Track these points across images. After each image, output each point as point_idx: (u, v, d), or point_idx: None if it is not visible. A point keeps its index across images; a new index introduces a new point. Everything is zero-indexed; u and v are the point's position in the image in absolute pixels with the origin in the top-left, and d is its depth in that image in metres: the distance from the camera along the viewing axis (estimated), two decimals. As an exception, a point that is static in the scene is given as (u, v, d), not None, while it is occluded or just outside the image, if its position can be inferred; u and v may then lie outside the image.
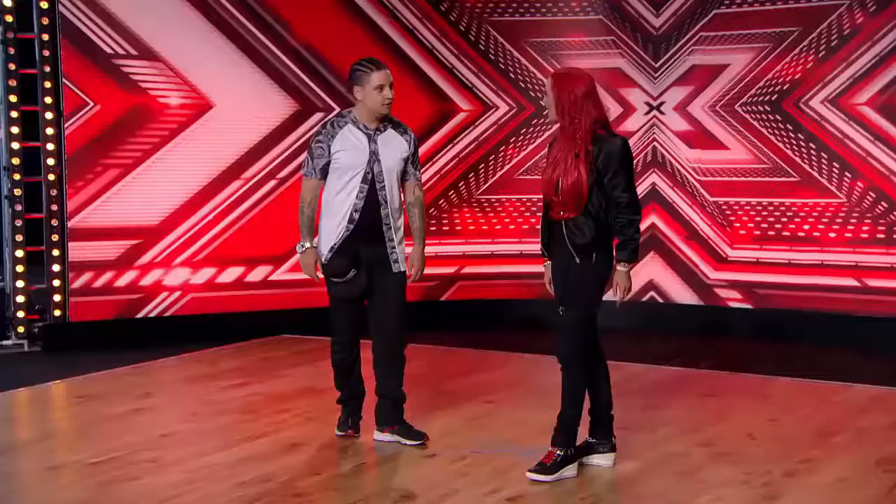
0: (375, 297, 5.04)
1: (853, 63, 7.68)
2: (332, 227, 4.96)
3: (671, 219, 8.47)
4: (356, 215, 4.92)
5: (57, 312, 7.74)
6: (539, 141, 8.73)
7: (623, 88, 8.48)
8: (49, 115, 7.67)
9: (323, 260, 5.01)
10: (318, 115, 8.33)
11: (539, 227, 4.80)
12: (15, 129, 7.71)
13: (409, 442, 5.02)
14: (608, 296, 4.63)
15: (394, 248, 5.00)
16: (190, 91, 7.97)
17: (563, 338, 4.52)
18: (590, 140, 4.42)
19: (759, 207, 8.16)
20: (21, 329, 7.76)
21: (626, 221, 4.47)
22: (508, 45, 8.71)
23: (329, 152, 4.92)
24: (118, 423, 5.52)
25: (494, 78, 8.74)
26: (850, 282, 7.82)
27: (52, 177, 7.70)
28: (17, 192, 7.71)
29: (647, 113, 8.44)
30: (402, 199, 5.08)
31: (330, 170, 4.95)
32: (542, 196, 4.68)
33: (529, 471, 4.50)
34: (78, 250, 7.71)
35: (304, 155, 5.08)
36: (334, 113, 5.12)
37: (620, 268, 4.52)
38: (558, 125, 4.51)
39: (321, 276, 5.07)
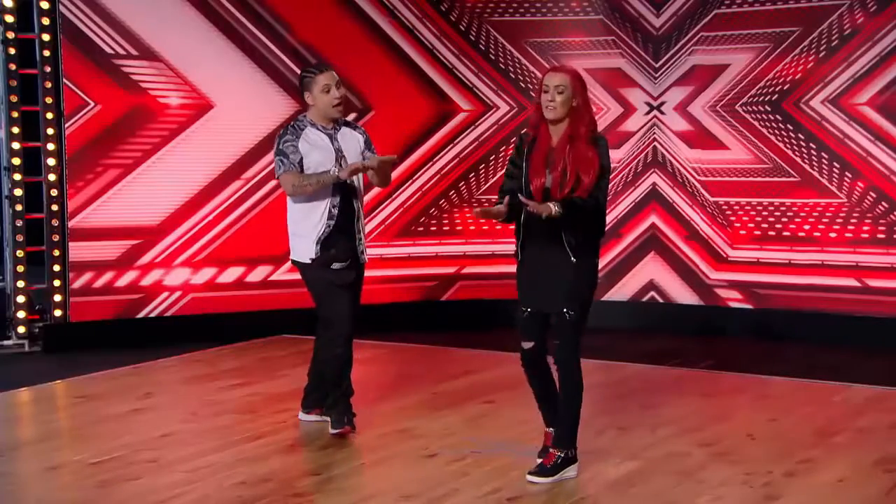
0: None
1: (853, 63, 7.68)
2: (312, 226, 5.08)
3: (671, 219, 8.47)
4: (335, 211, 5.07)
5: (57, 312, 7.74)
6: (539, 141, 8.71)
7: (623, 88, 8.48)
8: (49, 115, 7.68)
9: (313, 255, 5.07)
10: (319, 115, 8.32)
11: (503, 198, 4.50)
12: (15, 129, 7.71)
13: (332, 430, 5.13)
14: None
15: (361, 239, 5.20)
16: (190, 91, 7.97)
17: (564, 340, 4.47)
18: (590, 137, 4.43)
19: (760, 207, 8.16)
20: (21, 329, 7.76)
21: (590, 202, 4.35)
22: (509, 45, 8.71)
23: (300, 150, 5.06)
24: (118, 423, 5.52)
25: (494, 78, 8.74)
26: (851, 282, 7.82)
27: (52, 177, 7.70)
28: (18, 192, 7.71)
29: (648, 113, 8.44)
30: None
31: (303, 170, 5.06)
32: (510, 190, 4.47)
33: (529, 473, 4.49)
34: (78, 250, 7.72)
35: (273, 158, 5.14)
36: (288, 118, 5.24)
37: (552, 205, 4.25)
38: (557, 119, 4.44)
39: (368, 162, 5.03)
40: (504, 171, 4.69)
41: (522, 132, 4.65)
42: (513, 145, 8.90)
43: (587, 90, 4.48)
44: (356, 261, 5.19)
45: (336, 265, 5.09)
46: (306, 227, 5.10)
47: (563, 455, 4.51)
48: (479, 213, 4.48)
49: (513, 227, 4.57)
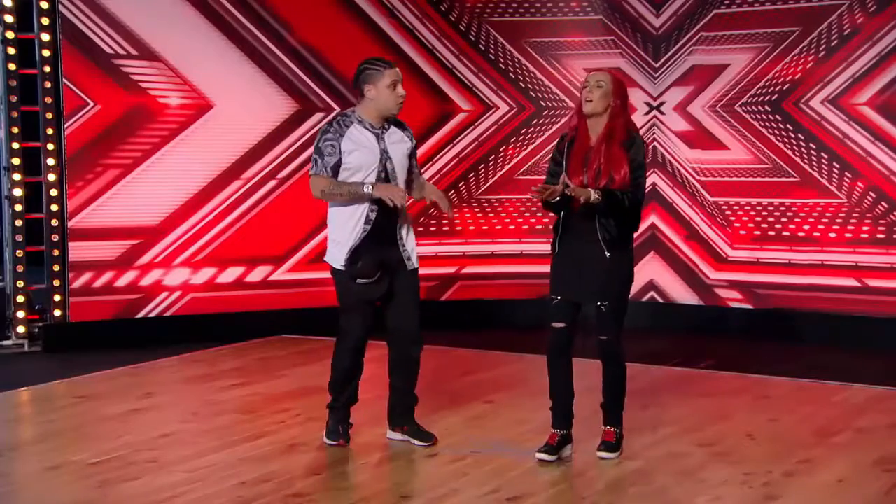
0: (391, 299, 4.97)
1: (853, 63, 7.68)
2: (348, 231, 4.86)
3: (671, 219, 8.47)
4: (373, 215, 4.83)
5: (57, 312, 7.74)
6: (539, 141, 8.73)
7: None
8: (49, 115, 7.67)
9: (342, 264, 4.89)
10: (319, 115, 8.33)
11: (549, 222, 4.86)
12: (15, 129, 7.70)
13: (418, 442, 5.02)
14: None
15: (405, 246, 4.96)
16: (190, 91, 7.97)
17: (606, 331, 4.70)
18: (627, 137, 4.67)
19: (759, 207, 8.16)
20: (21, 329, 7.75)
21: (632, 198, 4.61)
22: (508, 45, 8.71)
23: (340, 150, 4.81)
24: (118, 423, 5.52)
25: (494, 78, 8.74)
26: (850, 282, 7.82)
27: (52, 177, 7.70)
28: (18, 191, 7.71)
29: (648, 113, 8.44)
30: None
31: (341, 170, 4.83)
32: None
33: (600, 450, 4.78)
34: (78, 250, 7.71)
35: (311, 154, 4.93)
36: (335, 112, 5.04)
37: (593, 191, 4.51)
38: (594, 114, 4.66)
39: (401, 201, 4.83)
40: (547, 168, 4.89)
41: (565, 133, 4.86)
42: (513, 145, 8.99)
43: (626, 94, 4.75)
44: (400, 268, 4.93)
45: (361, 281, 4.87)
46: (342, 232, 4.87)
47: (619, 431, 4.83)
48: (538, 189, 4.54)
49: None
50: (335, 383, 5.07)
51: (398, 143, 4.93)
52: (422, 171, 5.34)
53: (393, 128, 4.95)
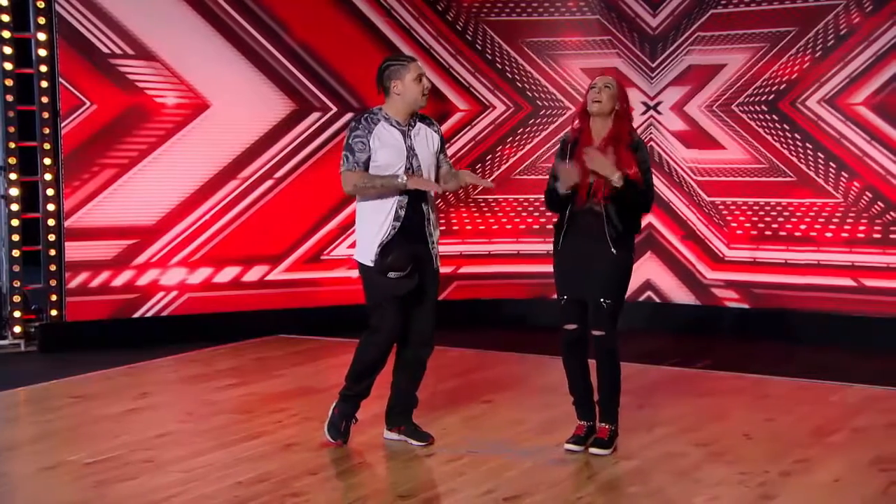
0: (415, 298, 4.94)
1: (850, 63, 7.69)
2: (377, 226, 4.84)
3: (668, 219, 8.48)
4: (402, 212, 4.83)
5: (53, 312, 7.73)
6: (536, 140, 8.73)
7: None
8: (45, 115, 7.66)
9: (372, 259, 4.85)
10: (315, 115, 8.33)
11: (548, 221, 4.95)
12: (11, 129, 7.69)
13: (415, 442, 5.02)
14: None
15: (433, 244, 4.98)
16: (187, 90, 7.96)
17: (604, 327, 4.77)
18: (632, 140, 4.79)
19: (756, 207, 8.17)
20: (17, 329, 7.75)
21: (644, 200, 4.80)
22: (505, 45, 8.71)
23: (370, 147, 4.82)
24: (114, 423, 5.52)
25: (491, 77, 8.74)
26: (847, 282, 7.83)
27: (48, 176, 7.69)
28: (14, 191, 7.70)
29: (644, 113, 8.44)
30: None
31: (370, 167, 4.84)
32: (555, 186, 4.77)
33: (592, 447, 4.84)
34: (74, 250, 7.71)
35: (342, 153, 4.91)
36: (362, 111, 5.03)
37: (619, 172, 4.61)
38: (603, 117, 4.75)
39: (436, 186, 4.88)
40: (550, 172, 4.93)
41: (565, 135, 4.96)
42: (510, 145, 8.98)
43: (629, 100, 4.86)
44: (427, 266, 4.92)
45: (392, 274, 4.82)
46: (371, 227, 4.85)
47: (613, 428, 4.88)
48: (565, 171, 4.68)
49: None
50: (355, 374, 5.01)
51: (425, 140, 4.95)
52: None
53: (420, 124, 4.97)
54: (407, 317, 4.94)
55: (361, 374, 5.00)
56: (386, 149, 4.83)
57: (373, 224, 4.86)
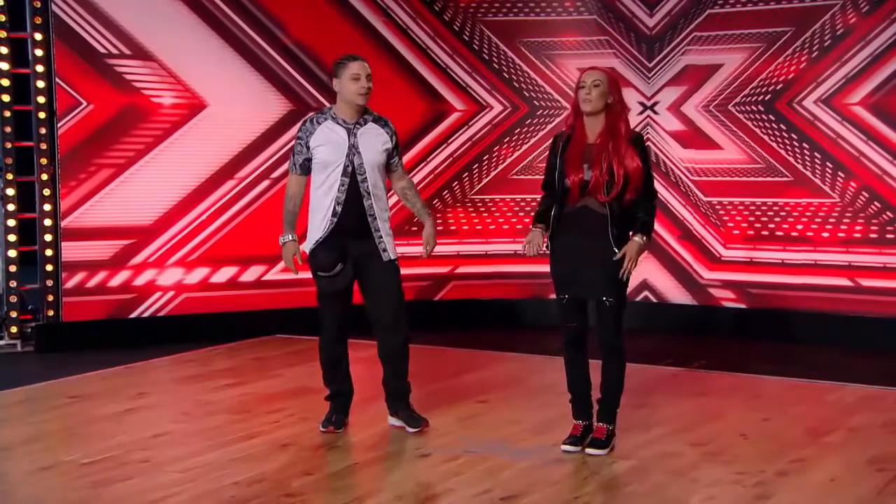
0: (369, 291, 5.14)
1: (846, 63, 7.69)
2: (318, 222, 5.06)
3: (665, 219, 8.47)
4: (339, 208, 5.01)
5: (50, 312, 7.72)
6: (533, 141, 8.73)
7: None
8: (42, 115, 7.66)
9: (309, 253, 5.09)
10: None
11: (540, 209, 4.95)
12: (8, 129, 7.68)
13: (409, 428, 5.19)
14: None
15: (381, 238, 5.09)
16: (183, 91, 7.96)
17: (608, 325, 4.77)
18: (631, 134, 4.76)
19: (753, 207, 8.18)
20: (14, 329, 7.75)
21: (651, 207, 4.83)
22: (502, 45, 8.71)
23: (307, 148, 5.05)
24: (111, 424, 5.51)
25: (488, 78, 8.75)
26: (844, 281, 7.84)
27: (45, 176, 7.68)
28: (10, 191, 7.69)
29: (641, 113, 8.44)
30: (388, 191, 5.20)
31: (313, 166, 5.06)
32: (550, 183, 4.83)
33: (588, 447, 4.82)
34: (71, 250, 7.70)
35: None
36: (312, 113, 5.24)
37: (638, 239, 4.70)
38: (596, 114, 4.71)
39: (298, 271, 5.17)
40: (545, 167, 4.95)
41: (560, 132, 4.93)
42: (506, 145, 8.98)
43: (621, 90, 4.78)
44: (375, 260, 5.07)
45: (321, 273, 5.06)
46: (314, 220, 5.08)
47: (611, 428, 4.86)
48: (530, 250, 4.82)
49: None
50: (323, 375, 5.32)
51: (373, 139, 5.07)
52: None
53: (371, 123, 5.10)
54: (349, 310, 5.18)
55: (324, 373, 5.32)
56: (327, 146, 5.02)
57: (312, 223, 5.10)
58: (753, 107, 8.08)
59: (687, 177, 8.37)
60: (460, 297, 8.73)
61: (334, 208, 5.01)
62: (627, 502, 4.35)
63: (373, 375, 5.38)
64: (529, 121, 8.75)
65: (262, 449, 5.00)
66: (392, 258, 5.12)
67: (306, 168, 5.09)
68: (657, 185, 8.20)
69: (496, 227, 8.84)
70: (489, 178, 8.80)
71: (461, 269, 8.82)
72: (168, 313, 8.00)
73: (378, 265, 5.09)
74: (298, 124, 5.16)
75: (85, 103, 7.68)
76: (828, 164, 7.85)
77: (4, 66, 7.64)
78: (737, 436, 5.18)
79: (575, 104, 4.79)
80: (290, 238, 5.12)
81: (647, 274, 8.52)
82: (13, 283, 7.74)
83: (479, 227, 8.84)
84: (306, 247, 5.15)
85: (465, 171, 8.79)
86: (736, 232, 8.25)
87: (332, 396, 5.31)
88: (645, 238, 4.73)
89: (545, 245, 4.80)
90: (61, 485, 4.54)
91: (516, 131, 8.79)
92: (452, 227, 8.80)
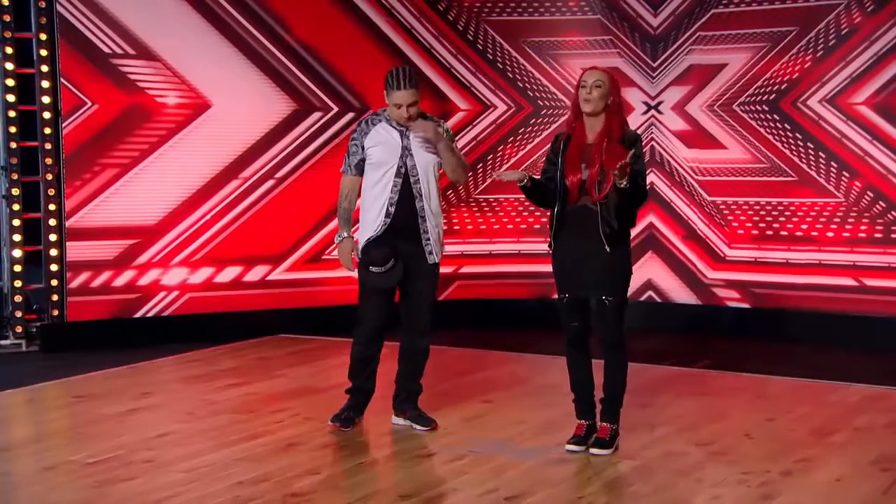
0: (407, 294, 5.21)
1: (851, 63, 7.68)
2: (371, 220, 5.14)
3: (669, 218, 8.47)
4: (391, 209, 5.10)
5: (55, 312, 7.73)
6: (537, 140, 8.73)
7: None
8: (47, 115, 7.67)
9: (360, 250, 5.13)
10: (317, 115, 8.33)
11: (547, 220, 4.96)
12: (13, 129, 7.70)
13: (419, 427, 5.23)
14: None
15: (428, 240, 5.18)
16: (188, 90, 7.97)
17: (608, 324, 4.77)
18: (625, 135, 4.76)
19: (757, 207, 8.17)
20: (19, 329, 7.75)
21: (643, 194, 4.76)
22: (506, 45, 8.71)
23: (363, 149, 5.13)
24: (115, 423, 5.51)
25: (492, 77, 8.74)
26: (848, 281, 7.82)
27: (49, 176, 7.69)
28: (15, 191, 7.71)
29: (645, 112, 8.44)
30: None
31: (366, 165, 5.14)
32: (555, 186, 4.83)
33: (592, 447, 4.82)
34: (75, 250, 7.71)
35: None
36: (369, 114, 5.29)
37: (624, 181, 4.56)
38: (596, 115, 4.73)
39: (354, 268, 5.20)
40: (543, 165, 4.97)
41: (559, 133, 4.95)
42: (511, 145, 8.98)
43: (621, 90, 4.81)
44: (419, 262, 5.13)
45: (373, 269, 5.09)
46: (367, 218, 5.16)
47: (614, 427, 4.87)
48: (498, 175, 4.89)
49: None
50: (350, 368, 5.31)
51: (423, 141, 5.12)
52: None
53: (423, 123, 5.12)
54: (391, 310, 5.21)
55: (352, 367, 5.30)
56: (380, 147, 5.11)
57: (365, 221, 5.17)
58: (758, 106, 8.07)
59: (691, 176, 8.37)
60: (464, 297, 8.73)
61: (387, 209, 5.09)
62: (631, 502, 4.35)
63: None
64: (533, 120, 8.74)
65: (267, 449, 5.00)
66: (436, 261, 5.21)
67: (361, 168, 5.17)
68: (662, 185, 8.40)
69: (500, 226, 8.84)
70: (492, 178, 8.79)
71: (465, 269, 8.81)
72: (172, 313, 8.00)
73: (421, 269, 5.17)
74: (353, 126, 5.25)
75: (89, 103, 7.68)
76: (832, 163, 7.84)
77: (9, 65, 7.64)
78: (741, 436, 5.18)
79: (575, 103, 4.80)
80: (346, 235, 5.19)
81: (651, 273, 8.52)
82: (18, 283, 7.74)
83: (483, 227, 8.84)
84: (359, 249, 5.19)
85: (469, 171, 8.77)
86: (740, 232, 8.24)
87: (353, 391, 5.32)
88: (627, 183, 4.56)
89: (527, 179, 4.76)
90: (66, 484, 4.55)
91: (520, 131, 8.78)
92: (457, 227, 8.80)
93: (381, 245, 5.09)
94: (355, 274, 5.24)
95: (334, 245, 5.23)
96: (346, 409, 5.29)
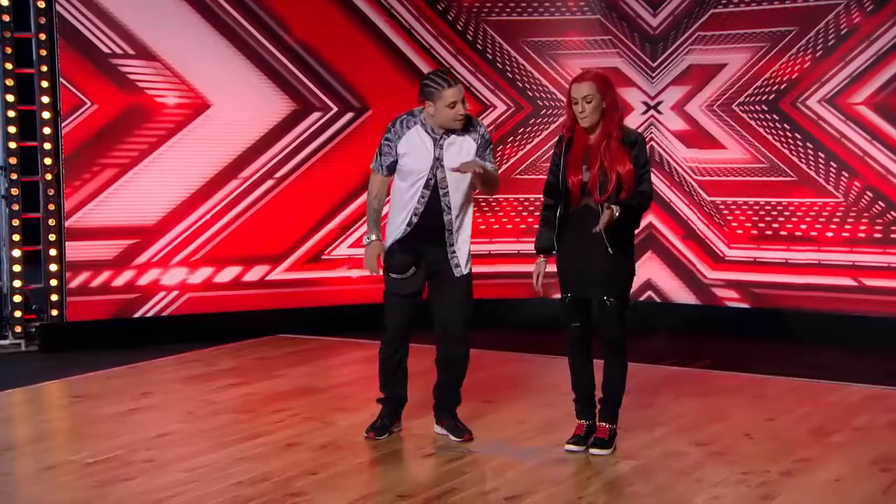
0: (439, 300, 5.08)
1: (850, 62, 7.68)
2: (397, 223, 5.02)
3: (669, 218, 8.48)
4: (415, 219, 4.96)
5: (54, 312, 7.73)
6: (537, 140, 8.73)
7: (620, 88, 8.31)
8: (46, 115, 7.66)
9: (385, 252, 5.04)
10: (316, 115, 8.33)
11: (539, 225, 5.00)
12: (12, 129, 7.70)
13: (453, 438, 5.12)
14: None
15: (454, 252, 5.04)
16: (187, 90, 7.96)
17: (610, 324, 4.79)
18: (624, 135, 4.75)
19: (757, 207, 8.17)
20: (18, 329, 7.75)
21: (643, 198, 4.76)
22: (506, 45, 8.71)
23: (396, 152, 4.96)
24: (115, 423, 5.51)
25: (492, 77, 8.74)
26: (848, 281, 7.83)
27: (49, 176, 7.69)
28: (15, 191, 7.71)
29: (645, 112, 8.44)
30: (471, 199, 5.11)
31: (398, 168, 5.00)
32: (551, 187, 4.86)
33: (591, 447, 4.83)
34: (75, 250, 7.71)
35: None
36: (403, 113, 5.06)
37: (614, 209, 4.61)
38: (593, 126, 4.73)
39: (381, 271, 5.07)
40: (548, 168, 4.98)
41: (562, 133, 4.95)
42: (510, 145, 8.99)
43: (614, 88, 4.77)
44: (444, 270, 5.02)
45: (393, 275, 5.00)
46: (394, 220, 5.04)
47: (613, 427, 4.88)
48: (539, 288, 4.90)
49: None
50: (379, 377, 5.20)
51: (459, 151, 4.94)
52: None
53: (454, 135, 4.95)
54: (415, 316, 5.09)
55: (380, 374, 5.19)
56: (413, 155, 4.94)
57: (391, 225, 5.07)
58: (757, 106, 8.08)
59: (691, 176, 8.37)
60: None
61: (411, 218, 4.96)
62: (631, 502, 4.35)
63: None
64: (533, 120, 8.74)
65: (267, 448, 5.00)
66: (465, 273, 5.07)
67: (392, 169, 5.01)
68: (661, 185, 8.40)
69: (500, 226, 8.84)
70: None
71: (465, 269, 8.80)
72: (172, 313, 8.00)
73: (449, 278, 5.05)
74: (388, 124, 5.03)
75: (89, 103, 7.68)
76: (832, 163, 7.84)
77: (9, 65, 7.64)
78: (741, 436, 5.18)
79: (570, 116, 4.79)
80: (375, 237, 5.05)
81: (650, 274, 8.52)
82: (17, 283, 7.74)
83: (482, 227, 8.83)
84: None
85: (468, 171, 8.76)
86: (740, 232, 8.24)
87: (384, 401, 5.21)
88: (620, 212, 4.62)
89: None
90: (65, 484, 4.55)
91: (520, 131, 8.78)
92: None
93: (403, 249, 4.98)
94: (379, 273, 5.08)
95: (365, 244, 5.06)
96: (379, 418, 5.19)
